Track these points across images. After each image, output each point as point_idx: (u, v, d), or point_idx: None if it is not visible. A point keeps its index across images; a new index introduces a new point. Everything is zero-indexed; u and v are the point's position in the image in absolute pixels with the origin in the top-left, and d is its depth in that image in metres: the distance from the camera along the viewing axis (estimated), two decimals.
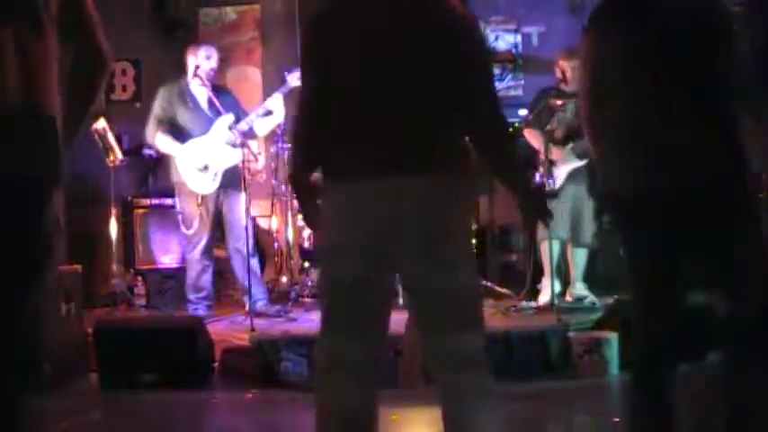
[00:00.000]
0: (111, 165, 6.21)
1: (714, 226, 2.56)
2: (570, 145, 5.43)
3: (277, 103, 5.64)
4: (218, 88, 5.82)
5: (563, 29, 6.59)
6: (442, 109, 2.30)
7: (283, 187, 6.37)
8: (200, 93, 5.69)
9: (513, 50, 6.94)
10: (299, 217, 6.31)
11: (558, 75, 5.62)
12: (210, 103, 5.66)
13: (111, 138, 6.22)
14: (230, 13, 7.34)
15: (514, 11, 6.90)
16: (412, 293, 2.39)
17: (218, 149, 5.54)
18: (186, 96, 5.65)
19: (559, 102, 5.50)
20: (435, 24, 2.30)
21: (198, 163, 5.56)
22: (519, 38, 6.93)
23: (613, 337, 4.52)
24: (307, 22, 2.40)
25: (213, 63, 5.68)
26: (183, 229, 5.67)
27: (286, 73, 5.69)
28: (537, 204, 2.49)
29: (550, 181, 5.28)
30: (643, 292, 2.70)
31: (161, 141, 5.63)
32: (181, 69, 5.78)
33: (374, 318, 2.36)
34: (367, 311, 2.34)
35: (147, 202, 6.56)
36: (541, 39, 6.94)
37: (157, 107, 5.66)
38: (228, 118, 5.58)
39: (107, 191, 6.29)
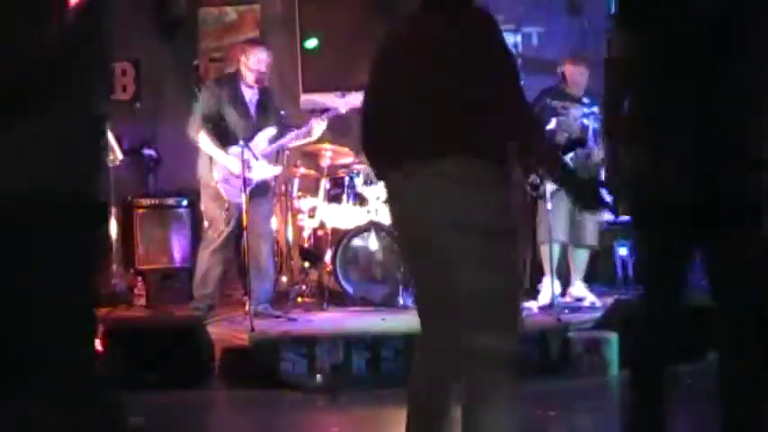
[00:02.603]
0: (111, 165, 6.21)
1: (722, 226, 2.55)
2: (570, 155, 5.39)
3: (320, 127, 5.59)
4: (265, 90, 5.67)
5: (563, 29, 6.60)
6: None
7: (283, 187, 6.37)
8: (250, 95, 5.56)
9: (513, 50, 6.94)
10: (298, 217, 6.33)
11: (561, 76, 5.60)
12: (258, 107, 5.57)
13: (111, 138, 6.22)
14: (230, 13, 7.34)
15: (514, 11, 6.89)
16: None
17: (257, 160, 5.34)
18: (237, 97, 5.48)
19: (560, 103, 5.49)
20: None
21: (235, 170, 5.35)
22: (519, 38, 6.93)
23: (613, 337, 4.52)
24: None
25: (265, 65, 5.50)
26: (207, 229, 5.57)
27: (337, 96, 5.66)
28: (580, 193, 2.48)
29: (546, 182, 5.25)
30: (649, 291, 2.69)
31: (204, 140, 5.42)
32: (181, 69, 5.76)
33: None
34: None
35: (147, 202, 6.56)
36: (541, 39, 6.94)
37: (204, 104, 5.43)
38: (271, 131, 5.52)
39: (107, 191, 6.28)
